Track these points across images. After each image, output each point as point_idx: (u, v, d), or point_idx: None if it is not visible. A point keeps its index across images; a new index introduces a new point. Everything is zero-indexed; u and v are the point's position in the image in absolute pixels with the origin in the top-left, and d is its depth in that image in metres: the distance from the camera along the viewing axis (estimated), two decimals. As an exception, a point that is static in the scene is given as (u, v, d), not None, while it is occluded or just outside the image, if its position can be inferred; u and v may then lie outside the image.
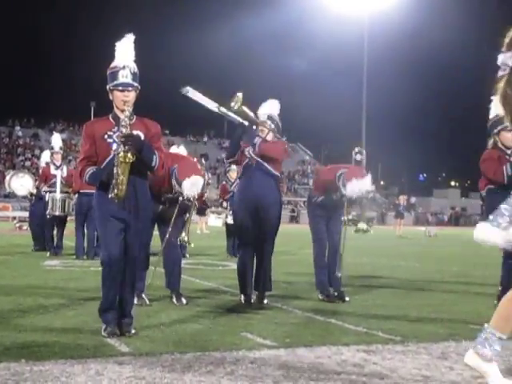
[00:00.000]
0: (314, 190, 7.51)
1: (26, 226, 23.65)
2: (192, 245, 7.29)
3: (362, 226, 8.16)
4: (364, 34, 49.76)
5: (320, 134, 69.66)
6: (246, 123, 6.48)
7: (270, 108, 6.95)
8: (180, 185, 6.27)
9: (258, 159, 6.58)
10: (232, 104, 6.33)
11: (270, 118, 6.82)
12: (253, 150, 6.60)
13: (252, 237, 6.55)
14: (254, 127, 6.59)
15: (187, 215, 6.64)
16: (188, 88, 6.19)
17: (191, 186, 6.22)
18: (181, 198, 6.41)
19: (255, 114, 6.73)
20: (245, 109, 6.43)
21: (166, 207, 6.52)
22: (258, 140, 6.61)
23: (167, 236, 6.48)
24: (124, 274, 4.81)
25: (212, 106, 6.31)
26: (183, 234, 6.44)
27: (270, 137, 6.72)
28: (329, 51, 68.05)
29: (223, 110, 6.34)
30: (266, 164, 6.58)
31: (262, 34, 70.98)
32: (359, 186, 6.65)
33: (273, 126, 6.78)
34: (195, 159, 7.87)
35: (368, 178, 6.73)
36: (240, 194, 6.77)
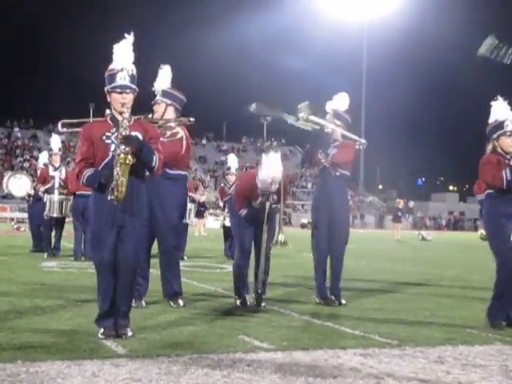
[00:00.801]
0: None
1: (23, 228, 23.70)
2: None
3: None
4: (363, 39, 49.85)
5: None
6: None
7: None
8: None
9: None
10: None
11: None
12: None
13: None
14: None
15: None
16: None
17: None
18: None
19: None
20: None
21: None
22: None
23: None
24: (121, 277, 4.80)
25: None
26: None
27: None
28: (329, 55, 68.05)
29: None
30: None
31: (262, 38, 71.05)
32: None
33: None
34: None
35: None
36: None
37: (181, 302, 6.41)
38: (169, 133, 6.49)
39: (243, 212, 6.55)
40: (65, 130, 5.95)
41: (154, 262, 6.82)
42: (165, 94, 6.62)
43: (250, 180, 6.55)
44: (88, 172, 4.81)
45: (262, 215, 6.33)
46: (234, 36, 67.37)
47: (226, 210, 13.02)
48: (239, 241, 6.72)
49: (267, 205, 6.30)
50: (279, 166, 6.19)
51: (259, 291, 6.43)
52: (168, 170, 6.33)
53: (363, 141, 7.18)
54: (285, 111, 6.54)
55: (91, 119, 5.65)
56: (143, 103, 6.36)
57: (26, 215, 15.96)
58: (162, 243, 6.57)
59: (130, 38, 4.94)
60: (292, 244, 7.35)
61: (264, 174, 6.15)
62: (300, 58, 71.37)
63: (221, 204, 13.48)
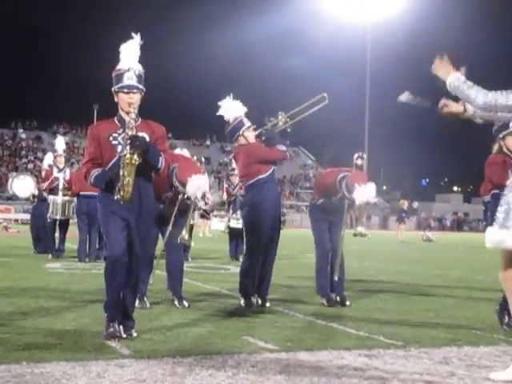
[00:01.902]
0: (315, 192, 7.57)
1: (13, 229, 23.66)
2: (192, 243, 7.31)
3: (361, 229, 8.15)
4: (367, 40, 49.83)
5: (322, 138, 69.62)
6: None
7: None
8: (184, 186, 6.25)
9: None
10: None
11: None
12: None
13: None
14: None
15: (187, 214, 6.60)
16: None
17: (197, 188, 6.20)
18: (180, 197, 6.40)
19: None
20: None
21: (166, 206, 6.50)
22: None
23: (167, 235, 6.46)
24: (127, 275, 4.81)
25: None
26: (183, 233, 6.41)
27: None
28: (332, 56, 68.10)
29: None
30: None
31: (265, 39, 71.05)
32: (367, 192, 6.61)
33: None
34: (195, 158, 7.88)
35: (372, 185, 6.72)
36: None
37: (186, 303, 6.42)
38: None
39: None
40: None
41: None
42: None
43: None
44: (95, 172, 4.82)
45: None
46: (237, 37, 67.42)
47: (231, 211, 13.03)
48: (249, 240, 6.70)
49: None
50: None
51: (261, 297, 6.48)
52: None
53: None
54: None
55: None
56: (148, 104, 6.37)
57: (29, 216, 15.95)
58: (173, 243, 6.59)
59: (136, 38, 4.95)
60: (297, 245, 7.36)
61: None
62: (303, 60, 71.37)
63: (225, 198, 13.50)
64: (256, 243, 6.56)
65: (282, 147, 6.73)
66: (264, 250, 6.60)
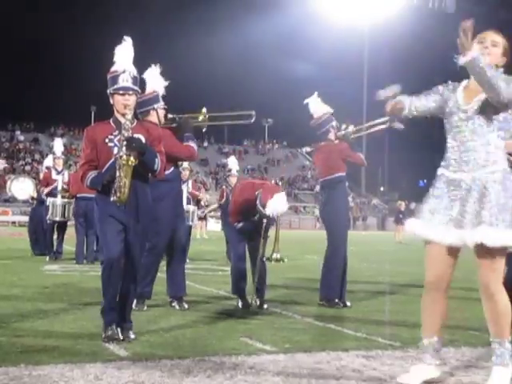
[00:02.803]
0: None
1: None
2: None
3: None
4: (365, 41, 49.91)
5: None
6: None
7: None
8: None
9: None
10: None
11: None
12: None
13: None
14: None
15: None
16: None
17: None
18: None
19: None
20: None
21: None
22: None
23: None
24: (124, 277, 4.81)
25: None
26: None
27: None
28: (331, 58, 68.07)
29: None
30: None
31: (264, 41, 71.17)
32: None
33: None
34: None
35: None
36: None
37: (185, 305, 6.42)
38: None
39: (238, 225, 6.57)
40: None
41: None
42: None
43: (246, 192, 6.52)
44: (92, 174, 4.82)
45: (259, 227, 6.38)
46: (236, 40, 67.51)
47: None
48: (234, 244, 6.74)
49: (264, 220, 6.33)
50: (285, 203, 6.27)
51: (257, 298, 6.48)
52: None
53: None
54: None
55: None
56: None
57: (27, 218, 15.95)
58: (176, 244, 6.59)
59: (128, 41, 4.96)
60: (295, 246, 7.37)
61: (271, 208, 6.16)
62: (301, 62, 71.46)
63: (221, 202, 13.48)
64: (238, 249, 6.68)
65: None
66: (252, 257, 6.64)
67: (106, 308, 4.80)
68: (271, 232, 6.82)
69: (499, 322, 3.67)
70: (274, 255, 6.75)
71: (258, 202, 6.25)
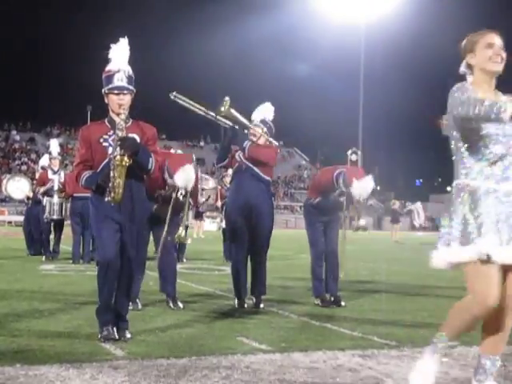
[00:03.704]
0: (310, 192, 7.47)
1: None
2: (189, 241, 7.30)
3: (362, 222, 8.14)
4: (361, 40, 49.93)
5: (316, 139, 69.72)
6: (236, 127, 6.51)
7: (264, 112, 6.94)
8: (172, 177, 6.23)
9: (248, 163, 6.56)
10: (221, 109, 6.36)
11: (262, 122, 6.81)
12: (242, 153, 6.58)
13: (244, 241, 6.58)
14: (246, 131, 6.60)
15: (182, 213, 6.57)
16: (174, 93, 6.25)
17: (184, 177, 6.18)
18: (174, 195, 6.36)
19: (249, 118, 6.74)
20: (234, 112, 6.44)
21: (160, 205, 6.46)
22: (247, 143, 6.56)
23: (164, 236, 6.40)
24: (120, 277, 4.81)
25: (200, 110, 6.35)
26: (180, 231, 6.37)
27: (261, 141, 6.69)
28: (327, 57, 68.19)
29: (211, 113, 6.38)
30: (255, 168, 6.56)
31: (261, 40, 71.18)
32: (365, 186, 6.65)
33: (265, 129, 6.76)
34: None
35: (370, 179, 6.77)
36: (231, 198, 6.85)
37: (180, 304, 6.41)
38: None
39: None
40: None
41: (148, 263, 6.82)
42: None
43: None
44: (86, 174, 4.82)
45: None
46: (232, 38, 67.44)
47: (224, 213, 13.03)
48: (235, 243, 6.73)
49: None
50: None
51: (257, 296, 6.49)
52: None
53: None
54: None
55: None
56: (142, 105, 6.37)
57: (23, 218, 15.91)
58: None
59: (124, 41, 4.95)
60: (291, 245, 7.38)
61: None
62: (298, 61, 71.45)
63: (219, 205, 13.49)
64: (238, 244, 6.73)
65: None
66: (253, 252, 6.64)
67: (101, 308, 4.80)
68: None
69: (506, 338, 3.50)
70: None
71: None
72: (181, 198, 6.36)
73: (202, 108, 6.38)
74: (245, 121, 6.63)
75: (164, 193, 6.46)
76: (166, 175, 6.32)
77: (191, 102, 6.31)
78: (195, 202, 9.00)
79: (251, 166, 6.55)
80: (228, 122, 6.50)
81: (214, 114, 6.39)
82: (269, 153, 6.66)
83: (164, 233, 6.37)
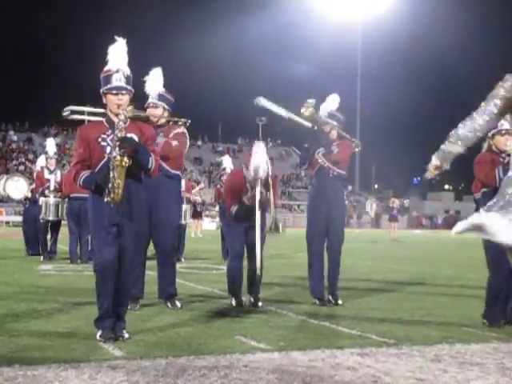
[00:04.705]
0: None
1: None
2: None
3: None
4: (358, 39, 49.95)
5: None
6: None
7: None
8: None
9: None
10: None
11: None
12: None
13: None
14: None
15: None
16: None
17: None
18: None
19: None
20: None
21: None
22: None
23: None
24: (118, 278, 4.80)
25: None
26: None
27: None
28: (324, 55, 68.22)
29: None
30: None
31: (257, 38, 71.31)
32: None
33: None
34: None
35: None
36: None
37: (178, 304, 6.41)
38: (174, 132, 6.64)
39: (234, 208, 6.55)
40: (72, 116, 6.13)
41: (149, 263, 6.81)
42: (161, 97, 6.65)
43: (238, 175, 6.70)
44: (84, 174, 4.81)
45: (253, 212, 6.37)
46: (228, 37, 67.46)
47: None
48: (231, 242, 6.74)
49: (257, 198, 6.34)
50: (264, 155, 6.35)
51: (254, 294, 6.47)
52: (170, 169, 6.48)
53: (358, 142, 7.27)
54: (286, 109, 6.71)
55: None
56: (140, 105, 6.37)
57: (21, 218, 15.89)
58: (163, 243, 6.55)
59: (122, 40, 4.94)
60: (289, 244, 7.37)
61: (251, 162, 6.30)
62: (295, 60, 71.48)
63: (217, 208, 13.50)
64: (235, 245, 6.73)
65: None
66: (249, 250, 6.64)
67: (101, 317, 4.75)
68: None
69: None
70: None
71: (243, 170, 6.49)
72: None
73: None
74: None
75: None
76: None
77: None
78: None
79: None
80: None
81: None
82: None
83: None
